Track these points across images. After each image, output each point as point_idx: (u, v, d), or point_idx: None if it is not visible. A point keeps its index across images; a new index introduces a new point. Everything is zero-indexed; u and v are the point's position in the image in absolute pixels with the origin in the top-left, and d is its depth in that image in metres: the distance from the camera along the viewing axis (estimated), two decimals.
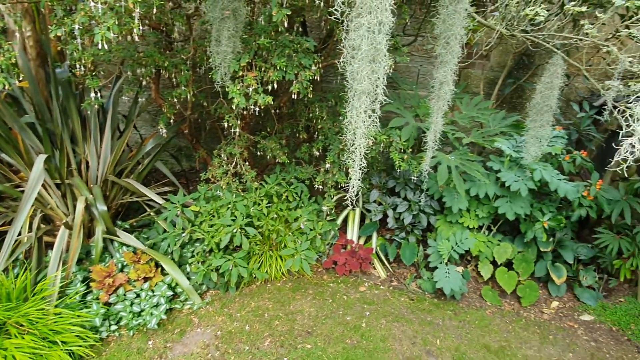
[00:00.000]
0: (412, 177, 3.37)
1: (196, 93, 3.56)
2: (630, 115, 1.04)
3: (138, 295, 3.01)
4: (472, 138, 3.56)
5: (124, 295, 2.97)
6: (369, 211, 3.85)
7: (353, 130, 2.04)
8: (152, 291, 3.05)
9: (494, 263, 3.50)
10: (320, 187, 3.56)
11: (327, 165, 3.44)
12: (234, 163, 3.47)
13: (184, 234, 3.22)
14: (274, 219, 3.47)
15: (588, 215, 3.37)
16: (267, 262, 3.44)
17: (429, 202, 3.65)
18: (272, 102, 2.75)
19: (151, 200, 3.50)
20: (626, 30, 2.79)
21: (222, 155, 3.47)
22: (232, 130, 3.23)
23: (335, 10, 1.76)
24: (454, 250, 3.36)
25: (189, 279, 3.19)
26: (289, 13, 2.28)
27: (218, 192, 3.47)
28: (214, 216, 3.34)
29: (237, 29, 2.44)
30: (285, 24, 2.59)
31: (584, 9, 2.70)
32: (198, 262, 3.17)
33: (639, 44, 3.37)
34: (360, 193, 3.97)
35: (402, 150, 3.32)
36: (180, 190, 3.50)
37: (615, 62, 2.74)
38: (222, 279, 3.22)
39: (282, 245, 3.45)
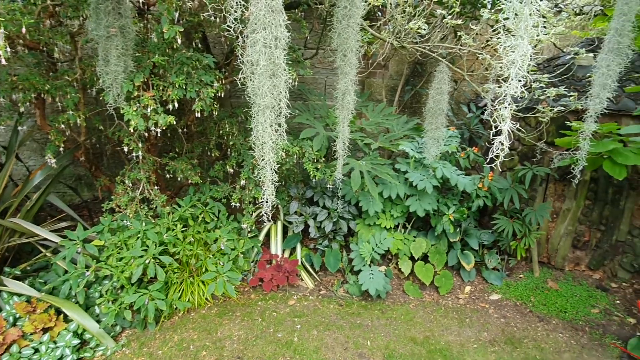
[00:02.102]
0: (329, 185, 3.45)
1: (90, 116, 3.26)
2: (498, 116, 1.18)
3: (37, 350, 2.62)
4: (379, 143, 3.76)
5: (19, 352, 2.57)
6: (290, 223, 3.85)
7: (261, 145, 2.02)
8: (55, 342, 2.68)
9: (412, 258, 3.71)
10: (238, 204, 3.47)
11: (243, 182, 3.37)
12: (140, 188, 3.22)
13: (87, 273, 2.90)
14: (191, 243, 3.29)
15: (486, 204, 3.75)
16: (188, 289, 3.24)
17: (347, 207, 3.76)
18: (176, 122, 2.62)
19: (46, 239, 3.10)
20: (496, 39, 3.19)
21: (127, 182, 3.21)
22: (134, 154, 3.00)
23: (228, 27, 1.74)
24: (375, 252, 3.50)
25: (98, 321, 2.87)
26: (182, 30, 2.19)
27: (125, 221, 3.19)
28: (122, 248, 3.06)
29: (127, 47, 2.28)
30: (180, 41, 2.49)
31: (459, 21, 3.03)
32: (108, 302, 2.86)
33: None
34: (279, 206, 3.96)
35: (315, 160, 3.38)
36: (79, 224, 3.15)
37: (490, 67, 3.11)
38: (139, 316, 2.95)
39: (203, 269, 3.28)
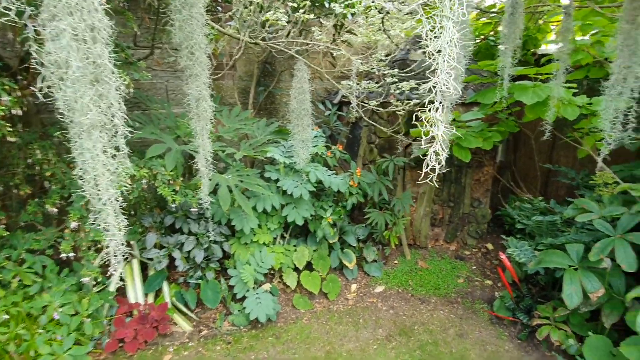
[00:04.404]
0: (192, 209, 2.92)
1: None
2: (428, 121, 1.00)
3: None
4: (243, 151, 3.38)
5: None
6: (150, 260, 3.16)
7: (94, 180, 1.44)
8: None
9: (296, 269, 3.48)
10: (72, 254, 2.64)
11: (73, 224, 2.56)
12: None
13: None
14: (5, 323, 2.35)
15: (358, 200, 3.77)
16: None
17: (218, 229, 3.28)
18: None
19: None
20: (348, 34, 3.16)
21: None
22: None
23: (6, 10, 1.12)
24: (258, 272, 3.13)
25: None
26: None
27: None
28: None
29: None
30: None
31: (312, 16, 2.87)
32: None
33: (367, 48, 3.96)
34: (132, 242, 3.22)
35: (171, 182, 2.81)
36: None
37: (349, 64, 3.06)
38: None
39: (32, 353, 2.38)
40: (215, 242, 3.24)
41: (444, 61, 0.96)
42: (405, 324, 3.15)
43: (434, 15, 0.91)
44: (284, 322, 3.19)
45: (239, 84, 4.80)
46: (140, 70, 2.69)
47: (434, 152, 1.04)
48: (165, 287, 3.17)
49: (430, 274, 3.85)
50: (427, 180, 1.10)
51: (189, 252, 3.14)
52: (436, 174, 1.07)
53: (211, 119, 2.29)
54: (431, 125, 1.03)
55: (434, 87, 0.99)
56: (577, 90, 3.06)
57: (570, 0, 2.72)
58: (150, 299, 3.11)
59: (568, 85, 3.02)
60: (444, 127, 1.04)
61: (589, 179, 3.85)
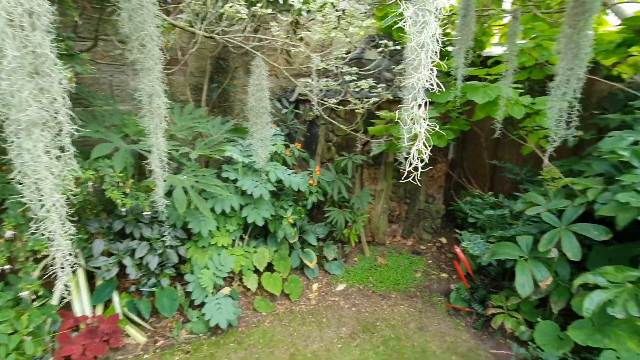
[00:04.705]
0: (145, 212, 2.74)
1: None
2: (413, 118, 0.99)
3: None
4: (199, 151, 3.23)
5: None
6: (98, 268, 2.93)
7: (35, 184, 1.29)
8: None
9: (257, 271, 3.39)
10: (8, 266, 2.37)
11: (9, 233, 2.30)
12: None
13: None
14: None
15: (317, 198, 3.75)
16: None
17: (174, 232, 3.11)
18: None
19: None
20: (305, 32, 3.12)
21: None
22: None
23: None
24: (217, 277, 3.01)
25: None
26: None
27: None
28: None
29: None
30: None
31: (269, 10, 2.80)
32: None
33: (322, 46, 3.93)
34: (77, 250, 2.96)
35: (120, 184, 2.61)
36: None
37: (306, 62, 3.02)
38: None
39: None
40: (170, 246, 3.06)
41: (427, 57, 0.95)
42: (367, 321, 3.17)
43: (416, 9, 0.90)
44: (246, 327, 3.09)
45: (190, 80, 4.59)
46: (83, 63, 2.48)
47: (416, 150, 1.03)
48: (115, 297, 2.95)
49: (390, 269, 3.92)
50: (410, 179, 1.09)
51: (141, 258, 2.94)
52: (419, 172, 1.07)
53: (166, 117, 2.15)
54: (414, 122, 1.03)
55: (417, 83, 0.98)
56: (522, 91, 3.25)
57: (518, 5, 2.87)
58: (99, 310, 2.88)
59: (515, 85, 3.20)
60: (427, 124, 1.03)
61: (532, 174, 4.12)
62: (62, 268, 1.39)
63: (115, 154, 2.69)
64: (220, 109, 4.87)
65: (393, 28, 4.45)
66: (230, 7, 2.24)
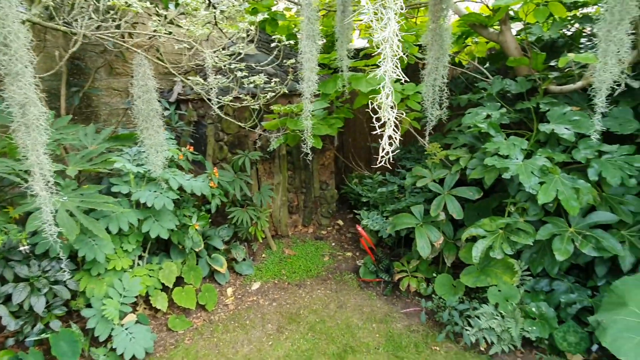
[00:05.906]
0: (20, 247, 2.26)
1: None
2: (382, 107, 1.05)
3: None
4: (76, 166, 2.79)
5: None
6: None
7: None
8: None
9: (164, 289, 3.12)
10: None
11: None
12: None
13: None
14: None
15: (221, 201, 3.61)
16: None
17: (58, 265, 2.63)
18: None
19: None
20: (179, 27, 2.94)
21: None
22: None
23: None
24: (123, 304, 2.68)
25: None
26: None
27: None
28: None
29: None
30: None
31: (148, 3, 2.55)
32: None
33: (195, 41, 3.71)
34: None
35: None
36: None
37: (177, 60, 2.87)
38: None
39: None
40: (56, 282, 2.59)
41: (391, 50, 1.03)
42: (291, 312, 3.24)
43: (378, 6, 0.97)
44: (164, 351, 2.84)
45: (41, 84, 3.87)
46: None
47: (388, 136, 1.12)
48: None
49: (299, 259, 4.04)
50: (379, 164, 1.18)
51: (20, 304, 2.42)
52: (391, 155, 1.16)
53: (46, 129, 1.81)
54: (382, 110, 1.11)
55: (384, 74, 1.06)
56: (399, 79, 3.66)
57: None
58: None
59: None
60: (394, 112, 1.12)
61: (404, 152, 4.70)
62: None
63: None
64: (83, 115, 4.24)
65: (266, 23, 4.47)
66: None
